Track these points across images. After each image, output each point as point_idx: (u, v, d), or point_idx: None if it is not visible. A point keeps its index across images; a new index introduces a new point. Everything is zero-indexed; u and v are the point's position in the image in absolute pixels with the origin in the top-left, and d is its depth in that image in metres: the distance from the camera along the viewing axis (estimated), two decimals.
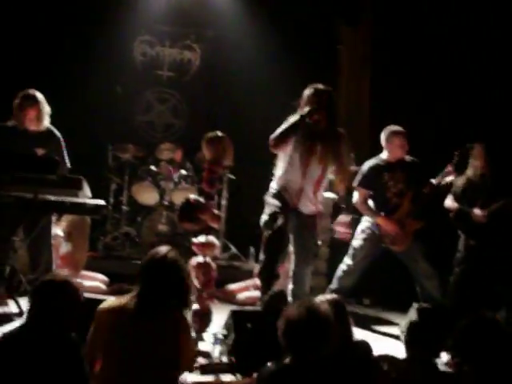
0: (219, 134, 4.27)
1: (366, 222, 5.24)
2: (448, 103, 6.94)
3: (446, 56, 7.06)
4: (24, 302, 4.65)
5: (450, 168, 5.02)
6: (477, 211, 5.01)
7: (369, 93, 7.76)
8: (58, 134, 5.02)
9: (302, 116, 4.35)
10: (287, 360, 2.62)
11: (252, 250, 6.77)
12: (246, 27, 7.74)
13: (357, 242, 5.23)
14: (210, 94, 7.97)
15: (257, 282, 6.01)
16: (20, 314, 4.49)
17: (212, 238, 4.27)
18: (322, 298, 3.09)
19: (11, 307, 4.60)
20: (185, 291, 3.01)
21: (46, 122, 4.93)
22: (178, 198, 6.55)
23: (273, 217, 4.51)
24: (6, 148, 4.45)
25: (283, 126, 4.40)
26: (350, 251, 5.25)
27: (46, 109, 4.90)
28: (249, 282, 6.05)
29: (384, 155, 5.19)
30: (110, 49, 7.60)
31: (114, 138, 7.19)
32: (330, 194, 5.98)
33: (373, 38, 7.73)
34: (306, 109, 4.35)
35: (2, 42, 7.23)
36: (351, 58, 7.93)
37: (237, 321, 3.91)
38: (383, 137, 5.17)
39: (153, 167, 6.95)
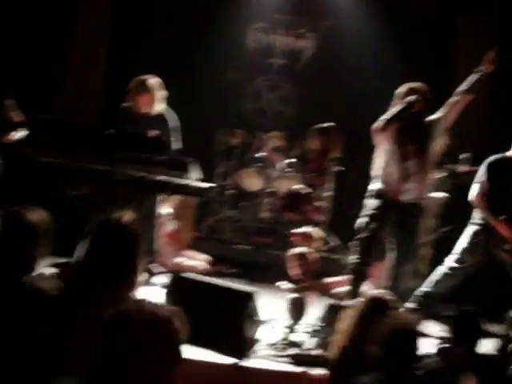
0: (328, 125, 4.23)
1: (475, 226, 4.81)
2: None
3: None
4: None
5: None
6: None
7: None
8: (171, 116, 5.18)
9: (407, 104, 4.45)
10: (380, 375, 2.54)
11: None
12: (361, 17, 7.63)
13: (465, 245, 4.81)
14: (322, 84, 7.91)
15: None
16: None
17: (313, 230, 4.25)
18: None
19: None
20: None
21: (160, 106, 5.10)
22: (283, 186, 6.58)
23: (368, 219, 4.49)
24: (119, 129, 4.64)
25: (386, 115, 4.50)
26: (456, 254, 4.85)
27: (160, 93, 5.07)
28: (346, 277, 5.97)
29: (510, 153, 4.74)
30: (223, 35, 7.74)
31: (224, 124, 7.32)
32: (437, 194, 5.78)
33: (494, 28, 7.40)
34: (412, 97, 4.46)
35: (120, 27, 7.56)
36: (470, 49, 7.61)
37: (334, 314, 3.87)
38: None
39: (259, 154, 7.00)
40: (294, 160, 6.92)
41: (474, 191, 4.76)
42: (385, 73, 7.32)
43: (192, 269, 5.58)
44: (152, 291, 4.92)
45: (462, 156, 6.09)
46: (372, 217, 4.53)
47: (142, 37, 7.60)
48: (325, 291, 5.70)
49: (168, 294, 4.08)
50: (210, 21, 7.56)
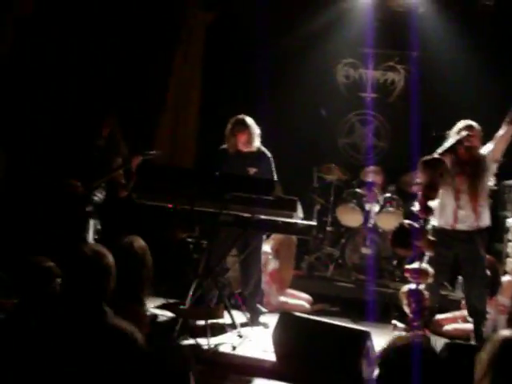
0: (436, 157, 4.14)
1: None
2: None
3: None
4: (237, 314, 4.90)
5: None
6: None
7: None
8: (268, 153, 5.27)
9: (458, 140, 4.71)
10: None
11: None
12: (451, 47, 7.50)
13: None
14: (415, 116, 7.79)
15: (464, 313, 5.72)
16: (233, 325, 4.73)
17: (426, 266, 4.13)
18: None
19: (226, 319, 4.83)
20: None
21: (257, 143, 5.18)
22: (383, 222, 6.49)
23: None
24: (226, 170, 4.74)
25: (439, 150, 4.68)
26: None
27: (256, 131, 5.16)
28: (456, 313, 5.76)
29: None
30: (314, 72, 7.84)
31: (319, 160, 7.33)
32: None
33: None
34: (464, 133, 4.75)
35: (212, 69, 7.78)
36: None
37: (452, 353, 3.72)
38: None
39: (358, 189, 6.93)
40: (390, 195, 6.82)
41: None
42: (477, 100, 7.19)
43: (295, 308, 5.56)
44: (258, 330, 4.93)
45: None
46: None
47: (233, 78, 7.78)
48: (436, 328, 5.53)
49: (275, 333, 4.06)
50: (302, 58, 7.66)
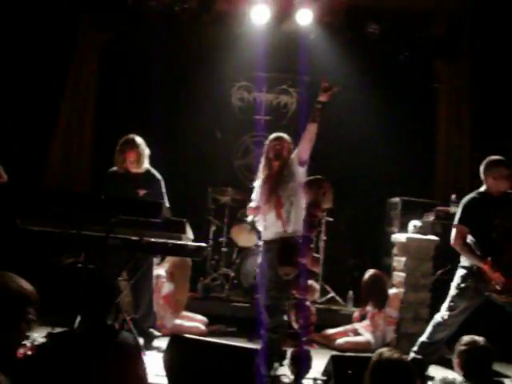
0: (319, 177, 4.28)
1: (463, 269, 4.70)
2: None
3: None
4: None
5: None
6: None
7: (469, 129, 7.66)
8: (158, 175, 5.27)
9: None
10: None
11: (351, 293, 6.67)
12: (341, 70, 7.79)
13: (455, 291, 4.70)
14: None
15: (355, 326, 5.92)
16: None
17: (312, 282, 4.25)
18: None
19: None
20: None
21: (146, 164, 5.18)
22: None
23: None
24: (112, 192, 4.69)
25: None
26: (448, 302, 4.74)
27: (146, 151, 5.17)
28: (348, 327, 5.96)
29: (484, 189, 4.70)
30: (209, 95, 7.95)
31: (215, 181, 7.39)
32: (431, 237, 5.83)
33: (471, 75, 7.64)
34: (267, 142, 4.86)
35: (106, 91, 7.69)
36: (449, 94, 7.84)
37: (337, 367, 3.84)
38: (484, 168, 4.68)
39: None
40: None
41: (452, 237, 4.70)
42: (366, 123, 7.55)
43: (190, 330, 5.54)
44: (152, 355, 4.87)
45: (452, 197, 6.18)
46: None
47: (127, 100, 7.73)
48: (327, 342, 5.69)
49: (166, 356, 4.03)
50: (196, 81, 7.74)
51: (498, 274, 4.44)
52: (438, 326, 4.78)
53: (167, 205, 5.16)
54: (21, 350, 3.80)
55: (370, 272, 5.96)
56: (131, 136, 5.15)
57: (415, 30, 7.76)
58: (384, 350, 2.63)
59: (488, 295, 4.61)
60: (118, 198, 4.32)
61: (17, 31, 7.09)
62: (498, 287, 4.45)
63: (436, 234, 5.94)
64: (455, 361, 3.37)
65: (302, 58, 8.04)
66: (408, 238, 5.83)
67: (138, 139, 5.14)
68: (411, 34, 7.77)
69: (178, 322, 5.88)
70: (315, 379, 3.93)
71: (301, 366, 4.16)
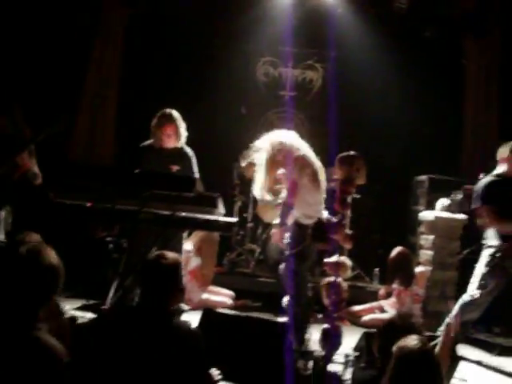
0: (352, 153, 4.26)
1: (490, 248, 4.64)
2: None
3: None
4: None
5: None
6: None
7: (497, 108, 7.57)
8: (190, 151, 5.25)
9: None
10: None
11: (377, 270, 6.67)
12: (368, 46, 7.76)
13: (485, 269, 4.63)
14: (333, 113, 7.98)
15: (381, 303, 5.94)
16: None
17: (345, 259, 4.25)
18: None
19: None
20: None
21: (183, 139, 5.16)
22: None
23: None
24: (146, 167, 4.70)
25: None
26: (478, 281, 4.65)
27: (183, 126, 5.14)
28: (374, 304, 5.98)
29: (501, 170, 4.66)
30: (234, 70, 7.90)
31: (239, 157, 7.36)
32: (460, 215, 5.80)
33: (500, 51, 7.54)
34: None
35: (131, 65, 7.67)
36: (477, 71, 7.74)
37: (370, 343, 3.85)
38: (506, 150, 4.63)
39: (277, 186, 7.02)
40: None
41: (483, 216, 4.66)
42: (393, 99, 7.48)
43: (217, 305, 5.59)
44: None
45: (481, 176, 6.12)
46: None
47: (152, 75, 7.72)
48: (353, 319, 5.71)
49: (200, 329, 4.07)
50: (218, 56, 7.68)
51: None
52: (467, 305, 4.73)
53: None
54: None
55: (396, 249, 5.95)
56: (168, 110, 5.12)
57: (443, 5, 7.65)
58: (407, 340, 2.58)
59: None
60: (150, 172, 4.34)
61: (44, 6, 7.08)
62: None
63: (464, 213, 5.90)
64: None
65: (328, 33, 7.96)
66: (436, 217, 5.80)
67: (175, 113, 5.12)
68: (439, 9, 7.66)
69: (204, 296, 5.93)
70: (347, 355, 3.95)
71: (331, 341, 4.18)
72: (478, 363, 4.69)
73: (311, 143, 7.94)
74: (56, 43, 7.24)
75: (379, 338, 2.95)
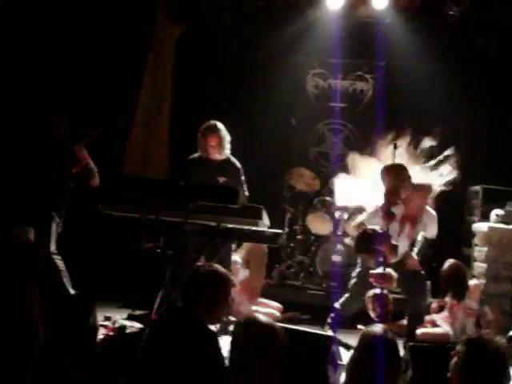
0: (398, 164, 4.20)
1: None
2: None
3: None
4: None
5: None
6: None
7: None
8: (237, 163, 5.33)
9: None
10: None
11: (429, 284, 6.50)
12: (417, 56, 7.64)
13: None
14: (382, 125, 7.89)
15: (434, 317, 5.78)
16: None
17: (390, 270, 4.18)
18: None
19: None
20: None
21: (227, 150, 5.23)
22: (352, 229, 6.53)
23: None
24: (192, 179, 4.76)
25: None
26: None
27: (227, 137, 5.23)
28: (426, 318, 5.82)
29: None
30: (284, 82, 7.93)
31: (289, 169, 7.37)
32: None
33: None
34: None
35: (181, 81, 7.80)
36: None
37: (415, 356, 3.76)
38: None
39: (327, 198, 6.99)
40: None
41: None
42: (444, 108, 7.33)
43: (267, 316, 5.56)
44: (228, 339, 4.92)
45: None
46: None
47: (203, 88, 7.82)
48: (404, 332, 5.57)
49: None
50: (272, 69, 7.72)
51: None
52: None
53: (246, 193, 5.20)
54: (103, 331, 3.95)
55: (449, 262, 5.78)
56: (213, 122, 5.26)
57: (496, 11, 7.46)
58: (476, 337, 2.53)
59: None
60: (195, 183, 4.39)
61: (97, 22, 7.29)
62: None
63: None
64: None
65: (377, 43, 7.89)
66: (490, 228, 5.64)
67: (220, 125, 5.25)
68: (492, 15, 7.48)
69: (253, 308, 5.92)
70: None
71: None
72: None
73: (363, 155, 7.98)
74: (112, 58, 7.43)
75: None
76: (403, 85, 7.68)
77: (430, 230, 4.76)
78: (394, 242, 4.26)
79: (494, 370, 2.46)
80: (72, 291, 4.94)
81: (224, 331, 5.17)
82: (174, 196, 4.15)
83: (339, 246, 6.74)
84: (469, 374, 2.46)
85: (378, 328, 2.60)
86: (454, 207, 7.37)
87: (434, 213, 4.80)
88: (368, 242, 4.14)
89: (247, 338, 2.55)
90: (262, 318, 2.69)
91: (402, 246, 4.55)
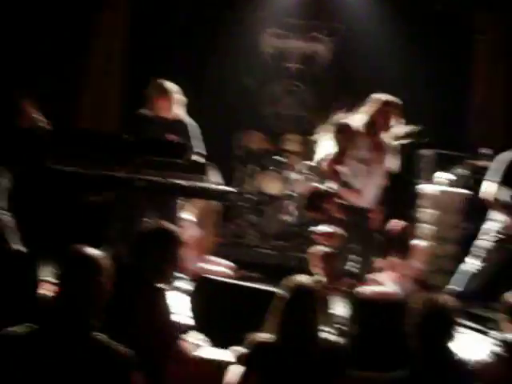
0: (345, 122, 4.23)
1: (494, 222, 4.68)
2: None
3: None
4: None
5: None
6: None
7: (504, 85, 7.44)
8: (189, 121, 5.22)
9: None
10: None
11: None
12: (376, 19, 7.64)
13: (484, 242, 4.69)
14: (338, 87, 7.90)
15: (377, 277, 5.90)
16: None
17: (336, 229, 4.22)
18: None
19: None
20: None
21: (179, 111, 5.13)
22: (302, 189, 6.58)
23: None
24: (139, 134, 4.69)
25: None
26: (476, 252, 4.73)
27: (177, 97, 5.11)
28: (369, 276, 5.93)
29: None
30: (239, 41, 7.80)
31: (242, 128, 7.34)
32: (459, 190, 5.75)
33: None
34: None
35: (133, 39, 7.63)
36: (486, 47, 7.60)
37: (362, 313, 3.83)
38: None
39: (278, 157, 7.01)
40: (312, 163, 6.91)
41: (487, 189, 4.62)
42: (400, 73, 7.37)
43: (217, 274, 5.58)
44: (175, 296, 4.93)
45: (482, 151, 6.05)
46: None
47: (155, 47, 7.67)
48: (347, 290, 5.68)
49: (194, 297, 4.08)
50: (223, 27, 7.61)
51: None
52: (468, 275, 4.76)
53: (203, 152, 5.14)
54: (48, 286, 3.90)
55: (393, 222, 5.89)
56: (162, 81, 5.12)
57: None
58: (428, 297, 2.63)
59: None
60: (140, 138, 4.33)
61: None
62: None
63: (467, 188, 5.84)
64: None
65: (336, 5, 7.86)
66: (439, 191, 5.74)
67: (169, 85, 5.11)
68: None
69: (204, 265, 5.93)
70: (338, 325, 3.93)
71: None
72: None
73: (316, 117, 8.00)
74: (61, 16, 7.24)
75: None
76: (361, 48, 7.68)
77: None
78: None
79: (446, 329, 2.58)
80: (20, 247, 4.83)
81: (172, 287, 5.18)
82: (120, 150, 4.09)
83: (291, 206, 6.80)
84: (424, 332, 2.57)
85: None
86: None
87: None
88: (317, 200, 4.17)
89: None
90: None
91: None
